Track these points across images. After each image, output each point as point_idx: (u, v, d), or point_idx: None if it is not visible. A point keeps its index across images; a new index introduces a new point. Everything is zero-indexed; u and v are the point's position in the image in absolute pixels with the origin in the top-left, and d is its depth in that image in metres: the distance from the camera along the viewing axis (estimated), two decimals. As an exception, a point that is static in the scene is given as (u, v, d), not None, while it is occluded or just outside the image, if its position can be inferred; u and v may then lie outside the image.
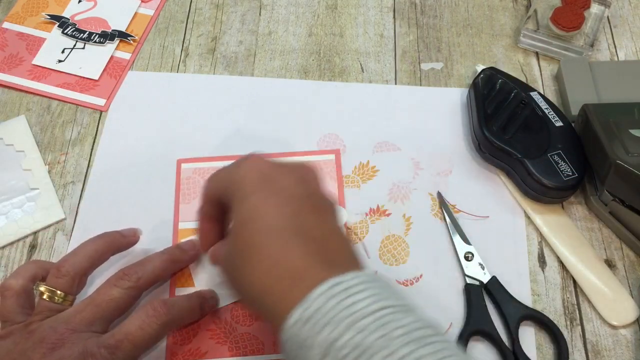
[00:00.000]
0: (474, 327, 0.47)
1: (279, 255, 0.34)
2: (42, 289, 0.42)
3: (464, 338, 0.46)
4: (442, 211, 0.53)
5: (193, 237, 0.50)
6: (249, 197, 0.37)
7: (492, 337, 0.46)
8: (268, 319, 0.35)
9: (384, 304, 0.31)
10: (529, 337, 0.47)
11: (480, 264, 0.50)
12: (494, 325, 0.47)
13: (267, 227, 0.35)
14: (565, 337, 0.47)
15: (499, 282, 0.48)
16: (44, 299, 0.42)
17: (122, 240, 0.47)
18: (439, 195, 0.54)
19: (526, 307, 0.48)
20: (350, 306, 0.31)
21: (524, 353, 0.46)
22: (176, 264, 0.48)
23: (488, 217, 0.53)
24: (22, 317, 0.42)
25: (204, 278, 0.49)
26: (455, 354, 0.30)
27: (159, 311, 0.41)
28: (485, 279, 0.49)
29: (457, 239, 0.51)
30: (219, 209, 0.42)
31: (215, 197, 0.42)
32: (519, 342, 0.46)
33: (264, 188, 0.37)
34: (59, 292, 0.42)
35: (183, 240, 0.50)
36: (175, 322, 0.42)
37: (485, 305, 0.48)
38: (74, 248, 0.45)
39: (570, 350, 0.47)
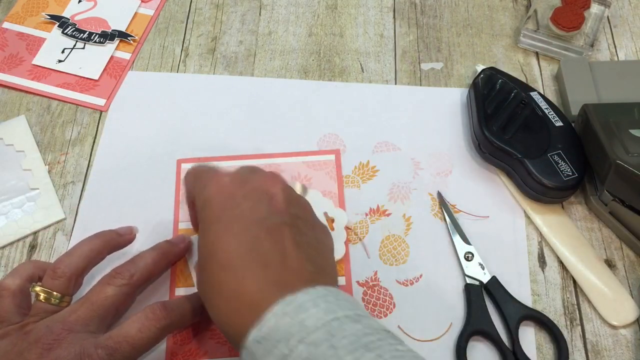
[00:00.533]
0: (474, 327, 0.47)
1: (236, 289, 0.36)
2: (38, 290, 0.42)
3: (464, 338, 0.46)
4: (442, 211, 0.53)
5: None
6: (211, 228, 0.39)
7: (492, 337, 0.46)
8: (233, 347, 0.37)
9: (333, 316, 0.33)
10: (529, 337, 0.47)
11: (480, 264, 0.50)
12: (494, 325, 0.47)
13: (224, 262, 0.37)
14: (565, 337, 0.47)
15: (499, 282, 0.49)
16: (40, 301, 0.42)
17: (119, 239, 0.47)
18: (439, 195, 0.54)
19: (526, 307, 0.48)
20: (301, 322, 0.32)
21: (524, 353, 0.46)
22: (167, 258, 0.48)
23: (488, 217, 0.53)
24: (19, 317, 0.41)
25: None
26: (402, 355, 0.32)
27: (158, 315, 0.41)
28: (485, 279, 0.49)
29: (457, 239, 0.51)
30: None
31: (192, 206, 0.45)
32: (519, 342, 0.46)
33: (225, 215, 0.39)
34: (55, 293, 0.42)
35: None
36: (176, 325, 0.43)
37: (485, 305, 0.48)
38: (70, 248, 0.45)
39: (570, 350, 0.47)
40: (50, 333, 0.39)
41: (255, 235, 0.38)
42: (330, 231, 0.43)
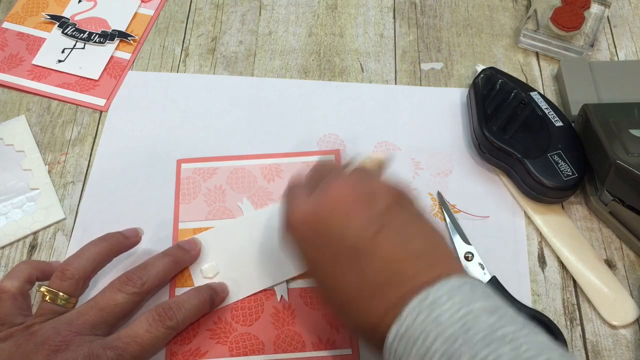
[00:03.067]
0: (474, 327, 0.47)
1: (363, 319, 0.36)
2: (43, 290, 0.42)
3: (464, 338, 0.46)
4: (442, 211, 0.53)
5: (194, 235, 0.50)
6: (318, 271, 0.38)
7: (492, 337, 0.46)
8: (370, 347, 0.36)
9: (468, 310, 0.32)
10: (529, 337, 0.47)
11: (480, 264, 0.50)
12: (494, 325, 0.47)
13: (344, 300, 0.37)
14: (565, 337, 0.47)
15: (499, 282, 0.48)
16: (47, 301, 0.42)
17: (125, 242, 0.47)
18: (439, 195, 0.54)
19: (526, 307, 0.48)
20: (436, 318, 0.32)
21: (524, 353, 0.46)
22: (179, 266, 0.48)
23: (488, 217, 0.53)
24: (20, 318, 0.41)
25: (202, 280, 0.49)
26: (540, 347, 0.31)
27: (163, 316, 0.41)
28: (485, 279, 0.49)
29: (457, 239, 0.51)
30: None
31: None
32: (519, 342, 0.46)
33: (321, 259, 0.38)
34: (61, 294, 0.42)
35: (183, 240, 0.50)
36: (182, 324, 0.43)
37: (485, 305, 0.48)
38: (76, 250, 0.45)
39: (570, 350, 0.47)
40: (57, 335, 0.39)
41: (360, 270, 0.36)
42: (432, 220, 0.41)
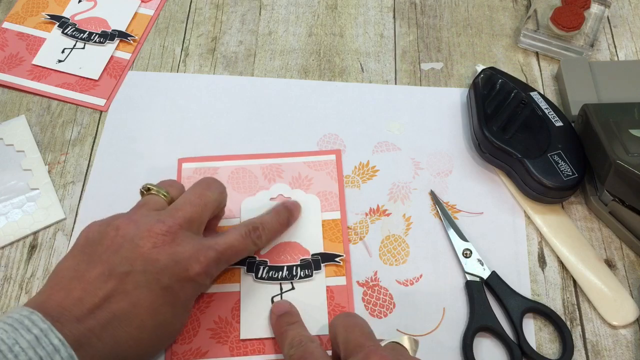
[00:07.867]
0: (479, 324, 0.47)
1: None
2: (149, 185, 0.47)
3: (470, 335, 0.46)
4: (436, 208, 0.53)
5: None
6: None
7: (497, 332, 0.46)
8: None
9: None
10: (533, 329, 0.47)
11: (479, 260, 0.50)
12: (497, 320, 0.47)
13: None
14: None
15: (499, 277, 0.49)
16: (152, 193, 0.46)
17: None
18: (432, 193, 0.54)
19: (528, 299, 0.48)
20: None
21: (529, 345, 0.46)
22: (284, 229, 0.51)
23: (482, 213, 0.53)
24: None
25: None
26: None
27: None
28: (485, 274, 0.49)
29: (453, 236, 0.51)
30: None
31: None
32: (523, 334, 0.46)
33: None
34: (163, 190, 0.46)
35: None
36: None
37: (488, 301, 0.48)
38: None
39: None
40: (162, 224, 0.42)
41: None
42: None
